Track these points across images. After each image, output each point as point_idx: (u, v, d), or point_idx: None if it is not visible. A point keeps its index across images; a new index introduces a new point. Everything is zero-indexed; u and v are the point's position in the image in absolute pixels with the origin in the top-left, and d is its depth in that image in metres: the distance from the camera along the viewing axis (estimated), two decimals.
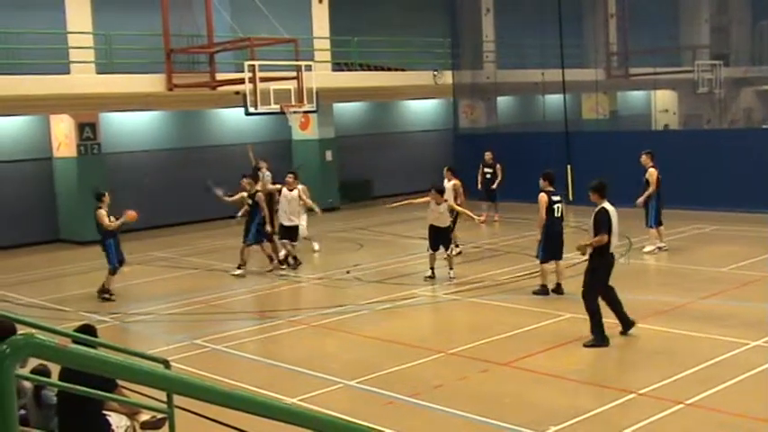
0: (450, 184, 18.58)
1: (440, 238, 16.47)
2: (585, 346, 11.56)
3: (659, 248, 18.21)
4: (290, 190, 18.53)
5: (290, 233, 18.50)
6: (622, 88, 39.71)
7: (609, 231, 11.48)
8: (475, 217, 17.52)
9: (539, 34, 29.58)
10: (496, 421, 9.07)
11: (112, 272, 16.29)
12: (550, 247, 14.73)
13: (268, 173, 23.45)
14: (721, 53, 40.72)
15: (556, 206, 14.58)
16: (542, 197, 14.57)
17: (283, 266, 18.30)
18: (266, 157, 23.70)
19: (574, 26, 34.80)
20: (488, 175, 24.18)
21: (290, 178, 18.68)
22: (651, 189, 17.88)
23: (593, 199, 11.92)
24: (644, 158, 18.23)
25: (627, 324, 12.00)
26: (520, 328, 12.76)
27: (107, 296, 16.28)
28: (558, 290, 14.80)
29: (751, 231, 20.41)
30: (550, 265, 14.84)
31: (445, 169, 19.44)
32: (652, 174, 17.93)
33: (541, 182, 14.82)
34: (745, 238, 19.70)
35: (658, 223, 18.22)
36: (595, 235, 11.52)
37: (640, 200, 17.97)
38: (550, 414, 9.28)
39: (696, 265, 16.77)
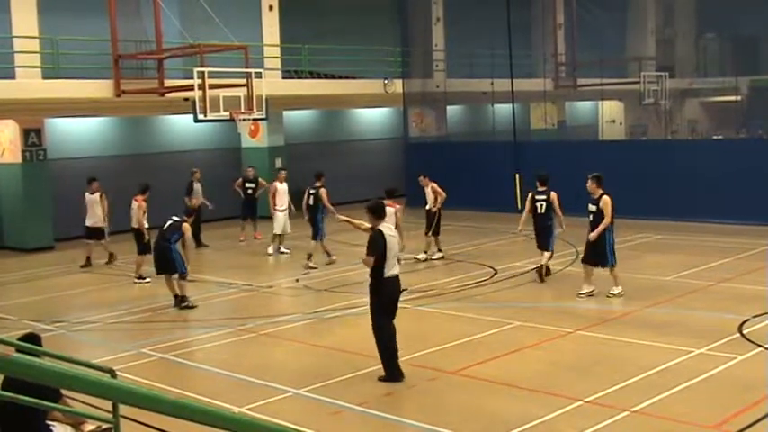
0: (427, 188, 19.59)
1: None
2: (380, 379, 10.76)
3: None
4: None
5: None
6: (570, 98, 40.11)
7: (383, 256, 10.63)
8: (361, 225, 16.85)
9: (488, 44, 29.82)
10: (446, 429, 9.08)
11: (183, 276, 15.71)
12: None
13: (198, 185, 23.19)
14: (667, 65, 41.36)
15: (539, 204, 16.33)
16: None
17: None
18: (214, 164, 23.58)
19: (523, 36, 35.18)
20: (249, 191, 23.90)
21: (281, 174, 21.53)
22: (607, 220, 14.87)
23: (369, 220, 11.02)
24: (590, 185, 15.17)
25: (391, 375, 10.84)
26: (468, 337, 12.81)
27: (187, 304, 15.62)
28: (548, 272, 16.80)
29: (696, 240, 20.73)
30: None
31: (420, 177, 19.92)
32: (606, 202, 14.89)
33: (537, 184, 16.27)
34: (691, 246, 20.00)
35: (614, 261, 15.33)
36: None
37: (593, 234, 14.87)
38: (499, 422, 9.32)
39: (642, 274, 16.96)
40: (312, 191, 19.62)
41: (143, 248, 18.34)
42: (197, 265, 19.40)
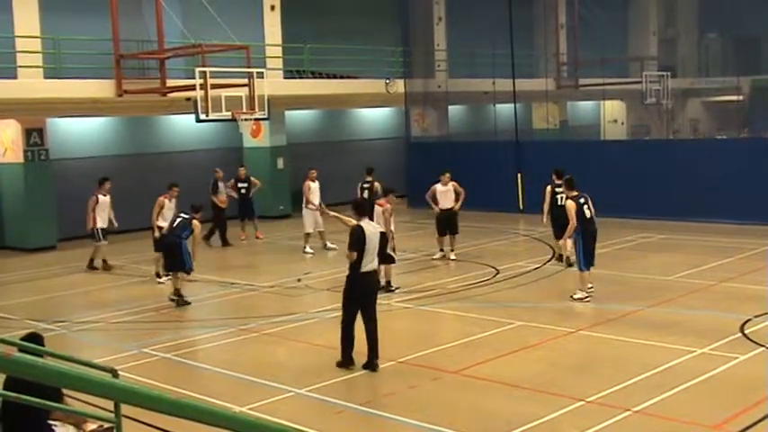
0: (448, 186, 19.40)
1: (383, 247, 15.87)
2: (337, 365, 11.35)
3: (588, 294, 14.89)
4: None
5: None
6: (572, 98, 40.11)
7: (361, 251, 11.05)
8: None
9: (490, 43, 29.81)
10: (448, 429, 9.08)
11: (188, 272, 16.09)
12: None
13: (221, 183, 23.33)
14: (668, 65, 41.34)
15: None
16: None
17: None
18: (216, 163, 23.56)
19: (525, 36, 35.14)
20: (242, 191, 23.93)
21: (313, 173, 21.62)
22: (572, 223, 14.69)
23: (353, 216, 11.58)
24: (563, 188, 15.73)
25: (370, 363, 11.36)
26: (470, 336, 12.81)
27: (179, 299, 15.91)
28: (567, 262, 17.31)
29: (698, 240, 20.72)
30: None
31: (444, 176, 19.63)
32: (569, 207, 14.81)
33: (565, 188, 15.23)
34: (693, 246, 19.98)
35: (588, 265, 14.88)
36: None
37: (561, 240, 15.69)
38: (501, 422, 9.32)
39: (644, 274, 16.95)
40: (365, 185, 20.49)
41: (155, 246, 18.25)
42: (199, 264, 19.42)
